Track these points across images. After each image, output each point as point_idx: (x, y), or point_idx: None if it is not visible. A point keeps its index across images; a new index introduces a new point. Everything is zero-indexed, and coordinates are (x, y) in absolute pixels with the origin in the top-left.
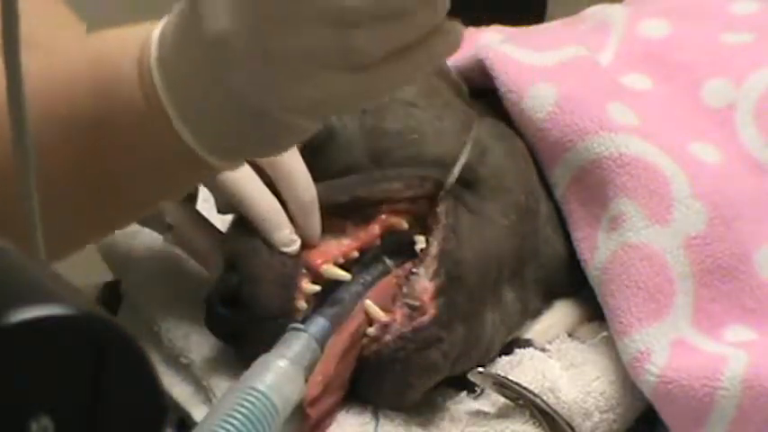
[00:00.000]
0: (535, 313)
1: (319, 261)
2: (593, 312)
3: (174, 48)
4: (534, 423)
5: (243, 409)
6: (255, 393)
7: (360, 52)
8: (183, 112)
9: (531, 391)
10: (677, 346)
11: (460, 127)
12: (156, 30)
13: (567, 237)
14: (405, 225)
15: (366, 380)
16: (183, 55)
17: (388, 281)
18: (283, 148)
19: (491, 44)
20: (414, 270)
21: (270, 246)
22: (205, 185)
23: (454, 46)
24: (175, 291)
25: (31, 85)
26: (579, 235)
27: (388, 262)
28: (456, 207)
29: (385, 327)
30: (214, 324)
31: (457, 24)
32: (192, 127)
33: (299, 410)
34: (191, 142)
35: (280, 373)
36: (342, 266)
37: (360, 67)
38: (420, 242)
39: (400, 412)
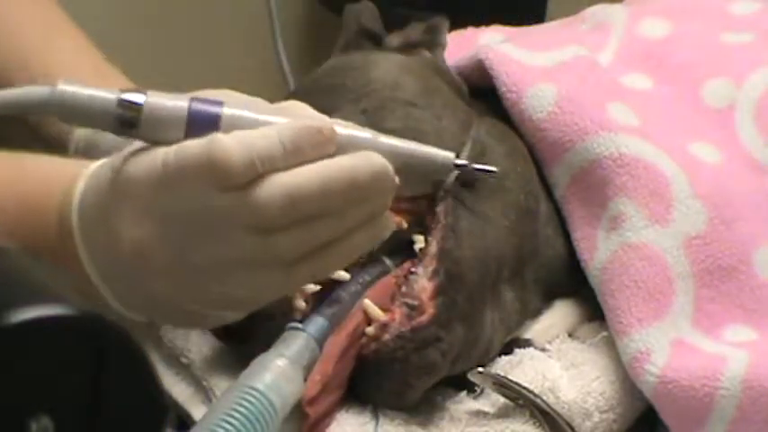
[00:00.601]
0: (535, 313)
1: None
2: (593, 312)
3: (92, 249)
4: (534, 423)
5: (242, 409)
6: (254, 393)
7: (283, 254)
8: (103, 281)
9: (531, 391)
10: (677, 345)
11: (460, 127)
12: (75, 200)
13: (567, 237)
14: (404, 224)
15: (365, 379)
16: (102, 256)
17: (388, 280)
18: (208, 327)
19: (491, 44)
20: (413, 269)
21: None
22: None
23: (380, 236)
24: None
25: None
26: (579, 235)
27: (388, 261)
28: (455, 207)
29: (384, 326)
30: None
31: (386, 215)
32: (110, 294)
33: (299, 410)
34: (109, 300)
35: (278, 372)
36: None
37: (283, 265)
38: (419, 242)
39: (400, 412)
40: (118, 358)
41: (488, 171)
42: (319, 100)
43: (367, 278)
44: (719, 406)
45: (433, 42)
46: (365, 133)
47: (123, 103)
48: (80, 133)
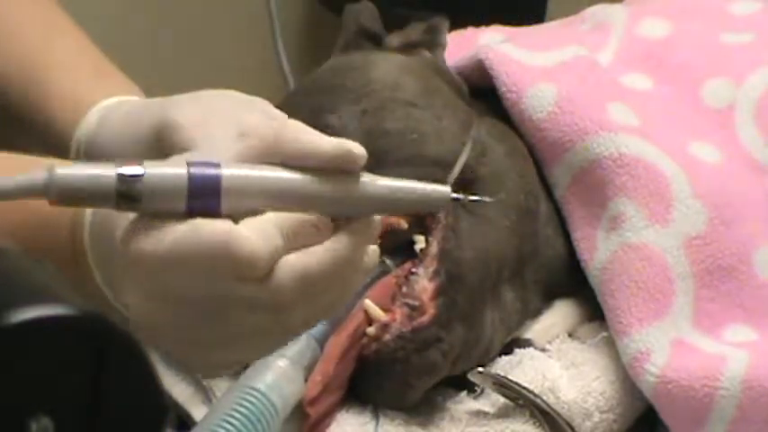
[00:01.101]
0: (535, 313)
1: None
2: (593, 312)
3: (104, 272)
4: (534, 423)
5: (242, 409)
6: (255, 393)
7: (294, 327)
8: (116, 301)
9: (531, 391)
10: (677, 345)
11: (460, 127)
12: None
13: (567, 237)
14: (404, 225)
15: (366, 379)
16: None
17: (388, 280)
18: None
19: (491, 44)
20: (413, 270)
21: None
22: None
23: (369, 272)
24: None
25: None
26: (579, 235)
27: (388, 262)
28: (456, 207)
29: (385, 326)
30: None
31: (372, 249)
32: (123, 309)
33: (299, 410)
34: (122, 311)
35: (279, 372)
36: None
37: (292, 332)
38: (420, 242)
39: (400, 412)
40: (118, 358)
41: (483, 201)
42: (319, 100)
43: (367, 278)
44: (719, 406)
45: (433, 42)
46: (363, 177)
47: (123, 178)
48: (80, 135)
